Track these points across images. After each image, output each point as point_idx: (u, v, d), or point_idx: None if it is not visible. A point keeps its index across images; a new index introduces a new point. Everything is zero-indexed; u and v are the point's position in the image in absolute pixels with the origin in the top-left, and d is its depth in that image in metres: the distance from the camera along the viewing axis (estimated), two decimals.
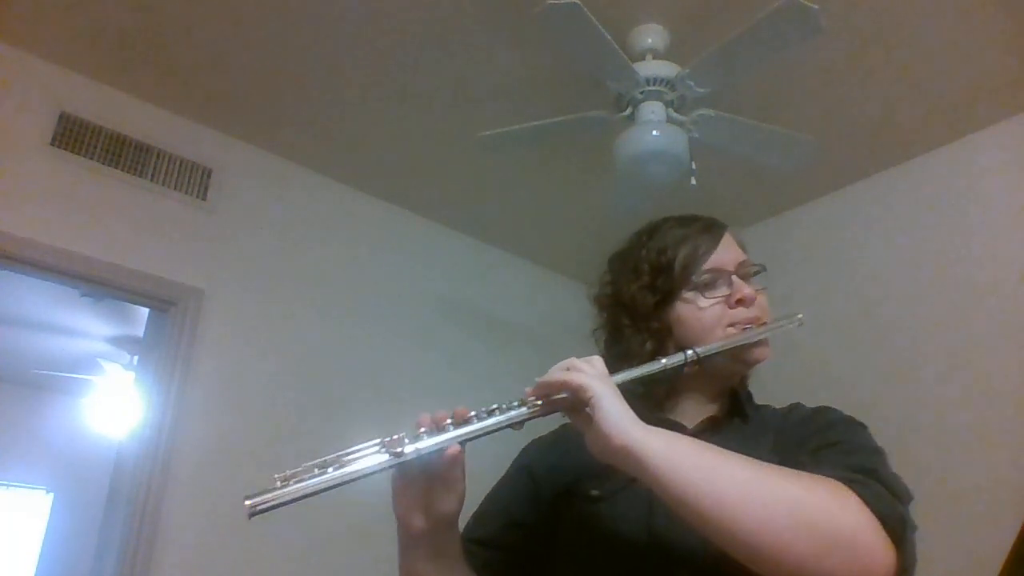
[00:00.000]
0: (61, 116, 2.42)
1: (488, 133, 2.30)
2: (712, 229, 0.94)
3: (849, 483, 0.67)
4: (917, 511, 0.72)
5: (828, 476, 0.68)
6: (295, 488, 0.65)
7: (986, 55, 2.27)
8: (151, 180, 2.57)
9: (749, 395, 0.96)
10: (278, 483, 0.65)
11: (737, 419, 0.92)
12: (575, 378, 0.70)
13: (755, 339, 0.88)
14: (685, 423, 0.90)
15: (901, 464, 0.78)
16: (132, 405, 2.69)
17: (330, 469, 0.67)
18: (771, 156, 2.35)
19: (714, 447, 0.69)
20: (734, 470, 0.67)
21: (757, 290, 0.92)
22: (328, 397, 2.75)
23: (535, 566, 0.87)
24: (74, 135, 2.43)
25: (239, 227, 2.77)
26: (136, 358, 4.37)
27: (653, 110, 2.15)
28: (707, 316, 0.89)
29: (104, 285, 2.48)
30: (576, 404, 0.72)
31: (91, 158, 2.45)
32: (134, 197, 2.53)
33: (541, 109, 2.32)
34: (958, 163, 2.66)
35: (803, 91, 2.46)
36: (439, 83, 2.50)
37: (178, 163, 2.65)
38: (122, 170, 2.51)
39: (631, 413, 0.69)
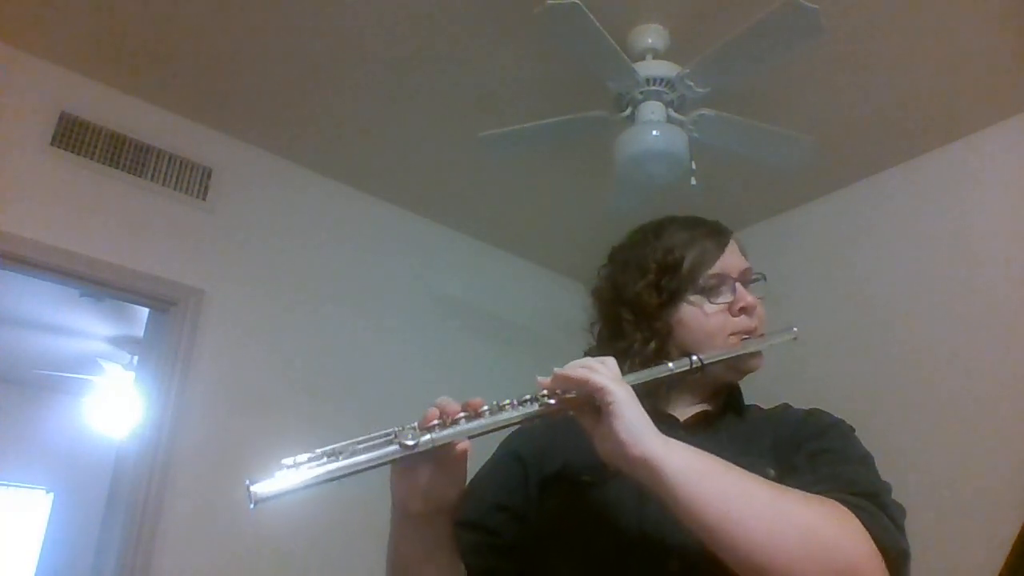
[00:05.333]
0: (61, 116, 2.41)
1: (488, 133, 2.30)
2: (719, 234, 0.95)
3: (856, 510, 0.68)
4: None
5: (834, 498, 0.69)
6: (304, 476, 0.63)
7: (986, 55, 2.27)
8: (151, 180, 2.57)
9: (740, 393, 0.97)
10: (284, 469, 0.63)
11: (731, 415, 0.92)
12: (597, 379, 0.69)
13: (753, 350, 0.89)
14: (677, 416, 0.90)
15: (901, 464, 0.79)
16: (132, 405, 2.69)
17: (340, 457, 0.65)
18: (771, 156, 2.35)
19: (732, 465, 0.69)
20: (751, 492, 0.67)
21: (757, 299, 0.93)
22: (328, 397, 2.75)
23: (521, 550, 0.86)
24: (74, 135, 2.43)
25: (239, 227, 2.77)
26: (136, 358, 4.37)
27: (653, 110, 2.15)
28: (711, 322, 0.90)
29: (104, 285, 2.49)
30: (587, 403, 0.71)
31: (91, 158, 2.45)
32: (134, 197, 2.53)
33: (541, 109, 2.32)
34: (958, 163, 2.66)
35: (803, 91, 2.46)
36: (439, 83, 2.50)
37: (178, 163, 2.65)
38: (122, 170, 2.51)
39: (649, 422, 0.69)
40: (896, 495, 0.77)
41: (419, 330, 3.16)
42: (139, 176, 2.55)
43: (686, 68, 2.11)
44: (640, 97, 2.17)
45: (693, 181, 2.27)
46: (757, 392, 0.99)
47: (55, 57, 2.42)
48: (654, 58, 2.19)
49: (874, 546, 0.66)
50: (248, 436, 2.51)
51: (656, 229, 0.97)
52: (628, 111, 2.21)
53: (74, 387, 5.00)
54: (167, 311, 2.56)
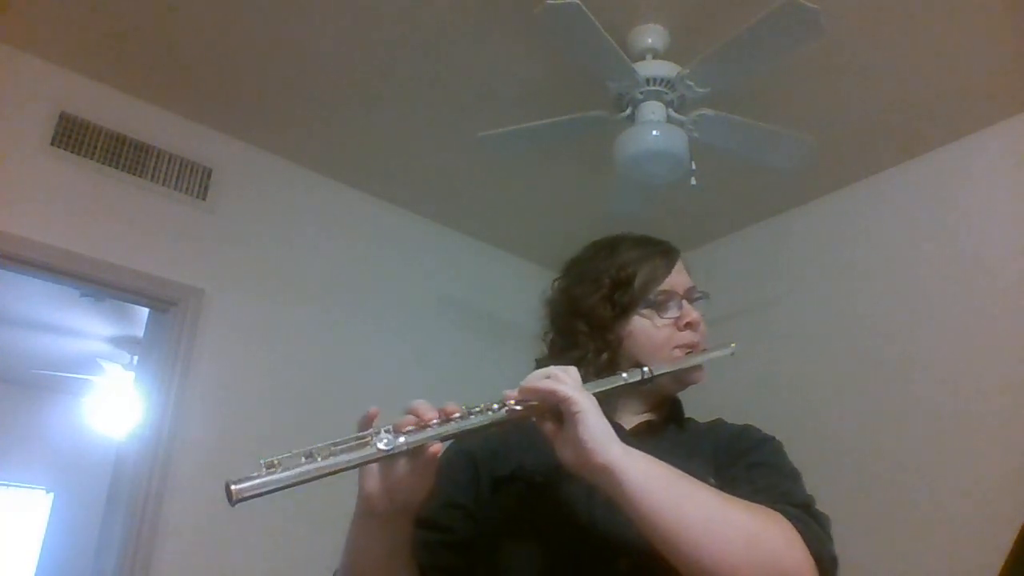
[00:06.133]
0: (61, 116, 2.42)
1: (488, 133, 2.30)
2: (668, 253, 1.02)
3: (794, 520, 0.74)
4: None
5: (773, 508, 0.75)
6: (282, 476, 0.65)
7: (986, 55, 2.27)
8: (151, 180, 2.57)
9: (681, 405, 1.03)
10: (263, 469, 0.65)
11: (673, 426, 0.99)
12: (563, 389, 0.73)
13: (699, 362, 0.96)
14: (624, 424, 0.95)
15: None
16: (132, 405, 2.69)
17: (318, 458, 0.68)
18: (771, 156, 2.35)
19: (685, 475, 0.74)
20: (702, 500, 0.72)
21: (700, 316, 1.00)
22: (328, 397, 2.75)
23: (473, 548, 0.88)
24: (74, 135, 2.43)
25: (239, 227, 2.77)
26: (136, 358, 4.37)
27: (653, 110, 2.15)
28: (660, 335, 0.96)
29: (104, 285, 2.49)
30: (551, 411, 0.75)
31: (91, 158, 2.45)
32: (134, 197, 2.53)
33: (541, 109, 2.32)
34: (958, 163, 2.66)
35: (803, 91, 2.46)
36: (439, 83, 2.50)
37: (178, 163, 2.65)
38: (122, 170, 2.51)
39: (611, 430, 0.73)
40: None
41: (419, 329, 3.16)
42: (139, 176, 2.55)
43: (686, 68, 2.11)
44: (640, 97, 2.17)
45: (693, 181, 2.27)
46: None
47: (55, 57, 2.42)
48: (654, 58, 2.19)
49: (809, 553, 0.72)
50: (248, 436, 2.51)
51: (610, 246, 1.03)
52: (628, 111, 2.20)
53: (74, 387, 5.00)
54: (167, 311, 2.56)
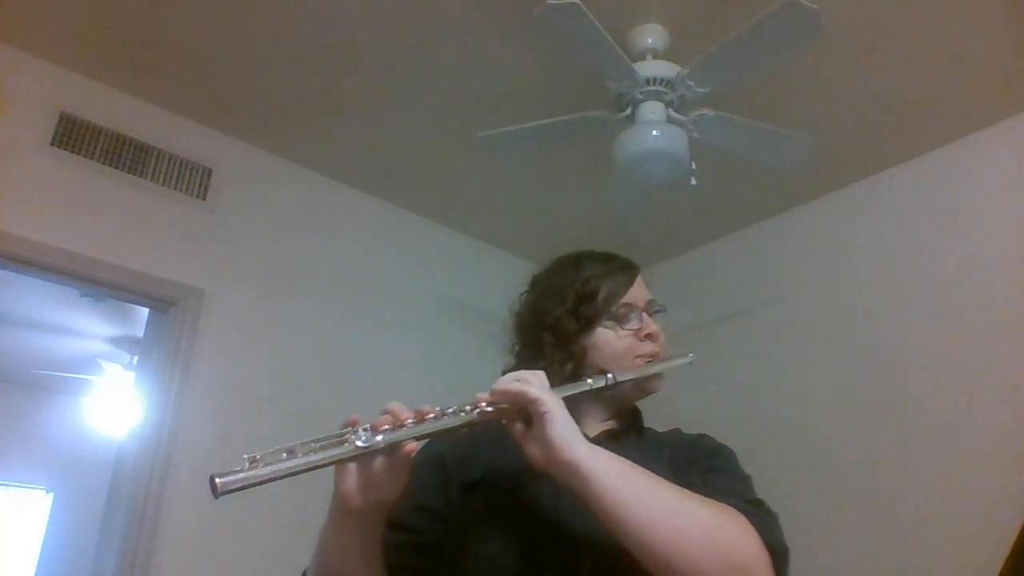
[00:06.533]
0: (61, 116, 2.42)
1: (488, 133, 2.30)
2: (629, 268, 1.07)
3: (748, 514, 0.78)
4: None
5: (728, 504, 0.79)
6: (264, 471, 0.69)
7: (986, 55, 2.27)
8: (151, 180, 2.57)
9: (640, 415, 1.07)
10: (247, 464, 0.69)
11: (633, 434, 1.04)
12: (532, 391, 0.77)
13: (660, 370, 1.02)
14: (587, 432, 0.98)
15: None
16: (132, 405, 2.69)
17: (298, 454, 0.71)
18: (771, 156, 2.35)
19: (647, 471, 0.78)
20: (663, 495, 0.76)
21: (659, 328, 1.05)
22: (328, 397, 2.75)
23: (441, 550, 0.92)
24: (74, 135, 2.43)
25: (239, 227, 2.77)
26: (136, 358, 4.37)
27: (653, 110, 2.15)
28: (622, 345, 1.01)
29: (104, 285, 2.48)
30: (520, 413, 0.79)
31: (91, 158, 2.45)
32: (134, 197, 2.53)
33: (541, 109, 2.32)
34: (958, 163, 2.66)
35: (803, 91, 2.46)
36: (439, 83, 2.50)
37: (178, 163, 2.65)
38: (122, 170, 2.51)
39: (578, 430, 0.77)
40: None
41: (418, 329, 3.16)
42: (139, 176, 2.55)
43: (686, 68, 2.11)
44: (640, 97, 2.17)
45: (693, 181, 2.27)
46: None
47: (55, 57, 2.42)
48: (654, 58, 2.19)
49: (762, 543, 0.76)
50: (248, 436, 2.51)
51: (575, 262, 1.09)
52: (628, 111, 2.20)
53: (74, 387, 5.00)
54: (167, 311, 2.56)
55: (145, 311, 2.78)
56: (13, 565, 5.16)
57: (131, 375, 4.29)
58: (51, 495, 5.36)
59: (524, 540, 0.88)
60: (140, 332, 3.30)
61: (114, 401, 4.46)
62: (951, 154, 2.68)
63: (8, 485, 5.27)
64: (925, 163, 2.75)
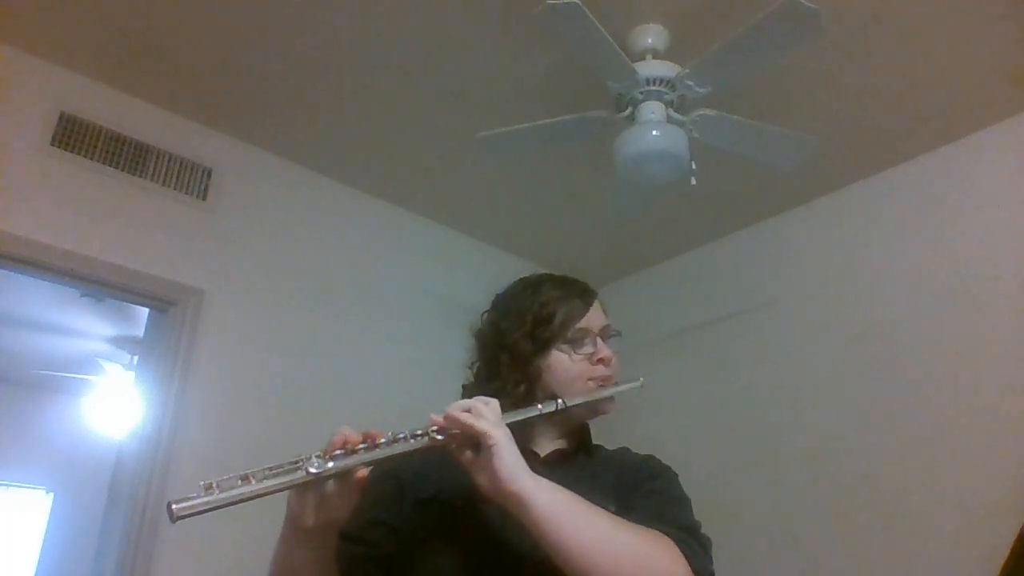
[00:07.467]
0: (61, 116, 2.42)
1: (488, 133, 2.30)
2: (586, 294, 1.11)
3: (679, 542, 0.84)
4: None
5: (663, 530, 0.85)
6: (219, 497, 0.71)
7: (986, 55, 2.27)
8: (151, 180, 2.57)
9: (590, 434, 1.12)
10: (202, 490, 0.71)
11: (582, 454, 1.08)
12: (481, 424, 0.82)
13: (610, 394, 1.06)
14: (539, 452, 1.05)
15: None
16: (132, 405, 2.69)
17: (252, 480, 0.73)
18: (771, 156, 2.35)
19: (586, 501, 0.84)
20: (597, 523, 0.82)
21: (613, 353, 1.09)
22: (328, 397, 2.75)
23: (394, 564, 0.95)
24: (74, 135, 2.43)
25: (239, 227, 2.77)
26: (136, 358, 4.37)
27: (653, 110, 2.15)
28: (575, 369, 1.05)
29: (104, 285, 2.49)
30: (469, 441, 0.83)
31: (91, 158, 2.45)
32: (134, 197, 2.53)
33: (541, 109, 2.32)
34: (958, 163, 2.66)
35: (803, 91, 2.46)
36: (439, 83, 2.50)
37: (178, 163, 2.65)
38: (122, 170, 2.51)
39: (523, 462, 0.82)
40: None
41: (418, 329, 3.16)
42: (139, 176, 2.55)
43: (686, 68, 2.11)
44: (640, 97, 2.16)
45: (693, 181, 2.27)
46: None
47: (55, 57, 2.42)
48: (654, 58, 2.19)
49: (690, 570, 0.83)
50: (247, 436, 2.51)
51: (534, 285, 1.12)
52: (628, 111, 2.20)
53: (74, 387, 5.00)
54: (167, 311, 2.56)
55: (145, 311, 2.78)
56: (13, 565, 5.15)
57: (131, 375, 4.29)
58: (51, 495, 5.36)
59: (472, 558, 0.93)
60: (140, 332, 3.30)
61: (114, 401, 4.45)
62: (951, 154, 2.68)
63: (8, 485, 5.27)
64: (925, 163, 2.75)
